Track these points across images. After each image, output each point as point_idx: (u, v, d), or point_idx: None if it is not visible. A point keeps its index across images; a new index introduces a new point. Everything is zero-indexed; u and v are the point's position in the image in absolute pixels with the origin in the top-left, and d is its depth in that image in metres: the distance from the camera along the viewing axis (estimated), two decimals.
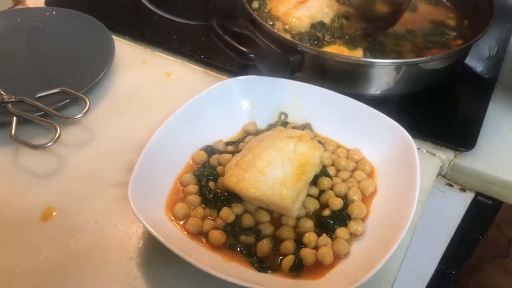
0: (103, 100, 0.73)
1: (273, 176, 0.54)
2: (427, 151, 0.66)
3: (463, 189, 0.69)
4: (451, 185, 0.69)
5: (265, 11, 0.80)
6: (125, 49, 0.82)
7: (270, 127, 0.66)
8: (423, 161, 0.57)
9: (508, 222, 1.76)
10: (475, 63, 0.79)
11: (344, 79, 0.69)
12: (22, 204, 0.60)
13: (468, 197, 0.70)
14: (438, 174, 0.66)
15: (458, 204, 0.71)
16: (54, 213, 0.59)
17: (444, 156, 0.66)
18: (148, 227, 0.49)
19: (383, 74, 0.68)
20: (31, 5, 0.93)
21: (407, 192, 0.54)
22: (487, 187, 0.67)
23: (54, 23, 0.84)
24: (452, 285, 0.95)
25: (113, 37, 0.80)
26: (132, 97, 0.74)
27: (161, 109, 0.67)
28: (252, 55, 0.68)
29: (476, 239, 0.86)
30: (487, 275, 1.61)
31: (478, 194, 0.69)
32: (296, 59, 0.67)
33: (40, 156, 0.65)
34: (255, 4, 0.81)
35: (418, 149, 0.61)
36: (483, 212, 0.74)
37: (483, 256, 1.65)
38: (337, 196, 0.57)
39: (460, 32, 0.78)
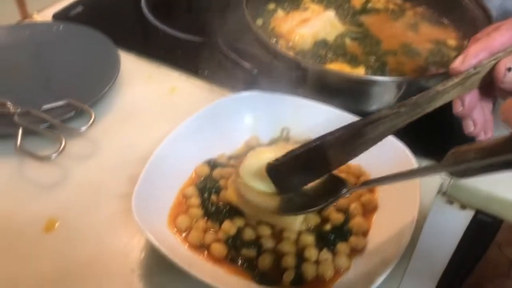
0: (108, 113, 0.74)
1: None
2: None
3: (463, 207, 0.70)
4: (451, 203, 0.69)
5: (269, 28, 0.81)
6: (130, 64, 0.83)
7: (273, 141, 0.67)
8: (423, 178, 0.58)
9: (510, 243, 1.75)
10: None
11: (346, 96, 0.70)
12: (25, 215, 0.60)
13: (469, 215, 0.70)
14: (439, 191, 0.67)
15: (458, 222, 0.71)
16: (57, 224, 0.59)
17: (444, 174, 0.66)
18: (152, 238, 0.50)
19: (385, 91, 0.69)
20: (39, 20, 0.95)
21: (407, 208, 0.55)
22: (486, 205, 0.67)
23: (61, 38, 0.86)
24: None
25: (119, 52, 0.82)
26: (137, 111, 0.75)
27: (165, 123, 0.68)
28: (255, 71, 0.69)
29: (477, 258, 0.86)
30: None
31: (478, 212, 0.70)
32: (298, 76, 0.68)
33: (45, 167, 0.66)
34: (259, 22, 0.82)
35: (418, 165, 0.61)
36: (483, 230, 0.74)
37: (484, 275, 1.64)
38: (338, 211, 0.57)
39: (461, 51, 0.79)
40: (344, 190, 0.52)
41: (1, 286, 0.54)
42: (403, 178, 0.50)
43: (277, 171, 0.53)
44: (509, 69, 0.43)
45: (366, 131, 0.48)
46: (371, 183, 0.56)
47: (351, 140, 0.49)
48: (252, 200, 0.55)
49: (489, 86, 0.47)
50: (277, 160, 0.52)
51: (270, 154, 0.55)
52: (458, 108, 0.48)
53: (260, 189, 0.55)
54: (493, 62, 0.45)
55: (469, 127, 0.49)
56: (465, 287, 0.97)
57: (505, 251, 1.76)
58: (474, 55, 0.46)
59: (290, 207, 0.53)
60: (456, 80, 0.46)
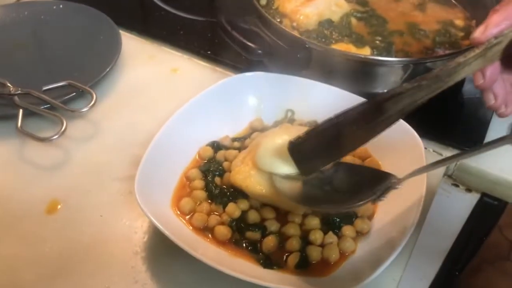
0: (109, 94, 0.73)
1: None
2: (433, 151, 0.66)
3: (469, 190, 0.69)
4: (457, 186, 0.69)
5: (273, 8, 0.80)
6: (132, 44, 0.82)
7: (277, 123, 0.66)
8: (429, 160, 0.57)
9: (510, 225, 1.75)
10: None
11: (351, 77, 0.68)
12: (27, 197, 0.60)
13: (474, 197, 0.70)
14: (445, 174, 0.66)
15: (463, 205, 0.71)
16: (59, 206, 0.59)
17: None
18: (155, 221, 0.49)
19: (391, 73, 0.67)
20: None
21: (413, 191, 0.54)
22: (492, 188, 0.66)
23: (61, 17, 0.84)
24: (455, 285, 0.94)
25: (120, 31, 0.80)
26: (138, 92, 0.74)
27: (167, 104, 0.67)
28: (259, 52, 0.68)
29: (481, 240, 0.86)
30: (488, 277, 1.61)
31: (483, 194, 0.69)
32: (303, 56, 0.66)
33: (46, 149, 0.65)
34: (263, 1, 0.81)
35: (425, 148, 0.60)
36: (488, 213, 0.73)
37: (484, 258, 1.65)
38: None
39: (468, 32, 0.78)
40: (393, 180, 0.49)
41: (3, 268, 0.53)
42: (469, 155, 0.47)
43: (299, 150, 0.51)
44: None
45: (388, 106, 0.47)
46: (429, 167, 0.51)
47: (373, 116, 0.48)
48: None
49: (510, 58, 0.46)
50: (299, 137, 0.50)
51: (286, 137, 0.53)
52: (479, 81, 0.46)
53: (282, 172, 0.53)
54: None
55: (490, 100, 0.48)
56: (466, 269, 0.97)
57: (505, 233, 1.76)
58: (495, 25, 0.44)
59: (329, 205, 0.51)
60: (477, 51, 0.45)
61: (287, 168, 0.53)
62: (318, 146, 0.51)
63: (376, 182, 0.49)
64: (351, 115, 0.48)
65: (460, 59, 0.45)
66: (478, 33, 0.45)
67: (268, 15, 0.72)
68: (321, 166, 0.53)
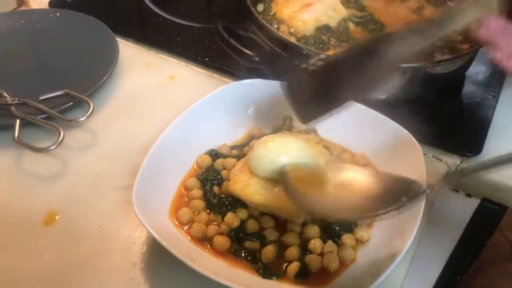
0: (106, 102, 0.73)
1: (278, 182, 0.53)
2: (433, 156, 0.66)
3: (469, 195, 0.69)
4: (457, 191, 0.68)
5: (270, 14, 0.79)
6: (129, 52, 0.82)
7: (275, 131, 0.66)
8: (429, 166, 0.56)
9: (511, 226, 1.75)
10: (482, 67, 0.78)
11: None
12: (24, 208, 0.59)
13: (474, 202, 0.69)
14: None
15: (464, 210, 0.70)
16: (57, 217, 0.58)
17: (450, 162, 0.65)
18: (152, 232, 0.49)
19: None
20: (34, 7, 0.93)
21: None
22: (492, 193, 0.66)
23: (58, 25, 0.84)
24: None
25: (117, 39, 0.80)
26: (136, 100, 0.74)
27: (165, 112, 0.67)
28: (256, 59, 0.68)
29: (482, 244, 0.85)
30: (490, 278, 1.61)
31: (484, 199, 0.69)
32: (301, 63, 0.66)
33: (43, 159, 0.65)
34: (260, 7, 0.80)
35: (424, 154, 0.60)
36: (489, 218, 0.73)
37: (486, 259, 1.64)
38: None
39: (467, 35, 0.77)
40: (421, 189, 0.45)
41: (1, 280, 0.53)
42: None
43: (294, 90, 0.50)
44: None
45: (383, 50, 0.46)
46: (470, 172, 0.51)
47: (369, 59, 0.46)
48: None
49: None
50: (292, 76, 0.49)
51: (279, 140, 0.54)
52: (482, 32, 0.46)
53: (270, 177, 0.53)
54: None
55: (493, 53, 0.47)
56: (468, 272, 0.96)
57: (507, 234, 1.76)
58: None
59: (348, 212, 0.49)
60: None
61: (277, 172, 0.53)
62: (313, 88, 0.49)
63: (400, 189, 0.47)
64: (345, 54, 0.48)
65: (453, 3, 0.45)
66: None
67: (265, 21, 0.72)
68: (319, 113, 0.51)
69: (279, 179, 0.53)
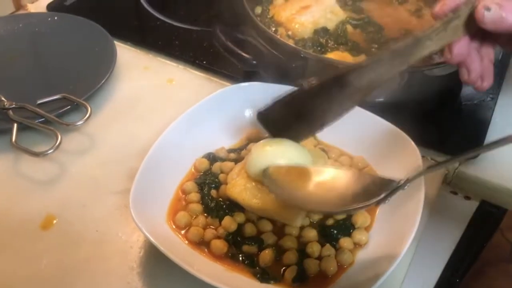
0: (104, 106, 0.73)
1: None
2: (431, 159, 0.66)
3: (467, 197, 0.68)
4: (455, 193, 0.68)
5: (268, 16, 0.79)
6: (127, 55, 0.82)
7: None
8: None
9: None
10: None
11: None
12: (22, 212, 0.59)
13: (473, 205, 0.69)
14: (443, 182, 0.66)
15: (462, 212, 0.70)
16: (55, 221, 0.58)
17: (448, 164, 0.65)
18: (149, 236, 0.49)
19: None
20: (32, 11, 0.93)
21: (411, 200, 0.53)
22: (491, 196, 0.66)
23: (56, 29, 0.84)
24: None
25: (115, 42, 0.80)
26: (134, 104, 0.74)
27: (163, 115, 0.67)
28: (254, 62, 0.67)
29: (481, 247, 0.85)
30: (491, 280, 1.60)
31: (483, 202, 0.69)
32: (299, 66, 0.66)
33: (41, 163, 0.64)
34: (258, 10, 0.80)
35: (423, 156, 0.60)
36: (488, 220, 0.73)
37: (486, 260, 1.64)
38: None
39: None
40: (401, 181, 0.47)
41: None
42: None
43: (268, 120, 0.54)
44: (487, 9, 0.44)
45: (351, 79, 0.48)
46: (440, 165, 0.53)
47: (338, 90, 0.50)
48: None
49: (486, 34, 0.47)
50: (265, 107, 0.53)
51: (276, 144, 0.55)
52: (446, 56, 0.48)
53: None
54: (471, 6, 0.45)
55: (463, 75, 0.50)
56: (469, 273, 0.96)
57: (507, 235, 1.75)
58: (453, 0, 0.46)
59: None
60: (437, 25, 0.46)
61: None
62: (286, 117, 0.53)
63: (380, 187, 0.49)
64: (314, 88, 0.50)
65: (419, 34, 0.46)
66: (437, 8, 0.47)
67: (264, 24, 0.72)
68: (297, 138, 0.55)
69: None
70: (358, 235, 0.53)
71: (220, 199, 0.57)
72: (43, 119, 0.67)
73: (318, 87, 0.50)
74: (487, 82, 0.50)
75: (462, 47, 0.47)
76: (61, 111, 0.68)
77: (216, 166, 0.61)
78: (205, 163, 0.61)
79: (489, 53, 0.50)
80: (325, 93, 0.50)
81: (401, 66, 0.48)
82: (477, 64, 0.49)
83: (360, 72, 0.48)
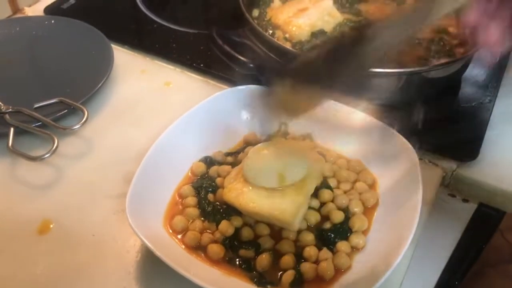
0: (101, 110, 0.73)
1: (272, 190, 0.53)
2: (429, 161, 0.65)
3: (465, 200, 0.68)
4: (453, 196, 0.68)
5: (265, 19, 0.79)
6: (124, 58, 0.81)
7: (270, 137, 0.65)
8: (425, 171, 0.56)
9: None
10: (478, 71, 0.78)
11: None
12: (18, 217, 0.59)
13: (471, 207, 0.69)
14: (441, 185, 0.65)
15: (461, 215, 0.70)
16: (52, 226, 0.58)
17: (446, 167, 0.65)
18: (146, 241, 0.49)
19: (384, 83, 0.67)
20: (30, 14, 0.93)
21: (409, 203, 0.53)
22: (490, 198, 0.65)
23: (53, 32, 0.84)
24: None
25: (112, 46, 0.80)
26: (131, 107, 0.73)
27: (160, 119, 0.66)
28: (251, 65, 0.67)
29: (479, 249, 0.85)
30: (491, 281, 1.60)
31: (481, 204, 0.68)
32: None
33: (38, 167, 0.64)
34: (255, 13, 0.80)
35: (420, 159, 0.60)
36: (486, 222, 0.73)
37: (486, 262, 1.63)
38: (338, 208, 0.56)
39: (462, 39, 0.77)
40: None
41: None
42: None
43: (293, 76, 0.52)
44: None
45: (371, 34, 0.47)
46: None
47: (360, 43, 0.48)
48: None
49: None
50: (290, 67, 0.52)
51: (273, 148, 0.54)
52: (468, 18, 0.47)
53: (266, 186, 0.53)
54: None
55: (480, 37, 0.48)
56: (469, 275, 0.96)
57: (507, 237, 1.75)
58: None
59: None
60: None
61: (273, 180, 0.52)
62: (312, 73, 0.51)
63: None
64: (339, 40, 0.50)
65: None
66: None
67: (261, 27, 0.72)
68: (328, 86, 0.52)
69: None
70: (356, 239, 0.53)
71: (217, 203, 0.57)
72: (39, 123, 0.66)
73: (341, 40, 0.50)
74: (505, 45, 0.49)
75: (479, 10, 0.47)
76: (57, 115, 0.68)
77: (213, 169, 0.60)
78: (202, 167, 0.61)
79: (506, 16, 0.48)
80: (348, 46, 0.49)
81: (416, 26, 0.48)
82: (494, 27, 0.48)
83: (380, 27, 0.47)
